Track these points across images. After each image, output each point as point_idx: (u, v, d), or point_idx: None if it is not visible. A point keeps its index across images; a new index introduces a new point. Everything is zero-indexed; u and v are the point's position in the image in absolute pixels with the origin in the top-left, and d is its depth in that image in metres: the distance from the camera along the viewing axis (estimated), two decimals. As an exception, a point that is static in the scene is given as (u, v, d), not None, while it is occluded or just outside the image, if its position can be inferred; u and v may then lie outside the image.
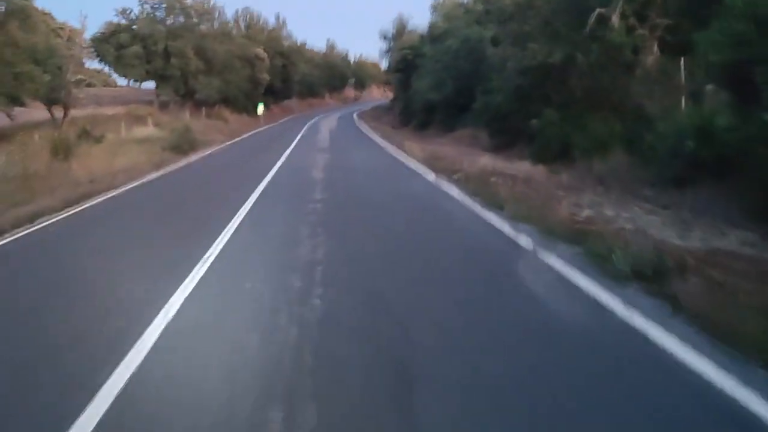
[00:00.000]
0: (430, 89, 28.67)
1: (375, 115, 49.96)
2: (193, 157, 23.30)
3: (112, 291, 5.51)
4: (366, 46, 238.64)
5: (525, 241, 6.61)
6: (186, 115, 38.41)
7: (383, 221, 8.33)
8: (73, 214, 10.88)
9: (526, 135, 18.34)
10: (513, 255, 6.16)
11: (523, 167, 13.75)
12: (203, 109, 41.93)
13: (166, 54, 40.52)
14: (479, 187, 10.32)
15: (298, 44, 64.48)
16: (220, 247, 6.93)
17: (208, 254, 6.53)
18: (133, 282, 5.72)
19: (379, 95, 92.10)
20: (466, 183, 11.00)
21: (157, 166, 19.54)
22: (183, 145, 26.68)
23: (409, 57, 41.02)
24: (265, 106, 52.57)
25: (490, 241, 6.93)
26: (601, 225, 7.26)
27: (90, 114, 34.38)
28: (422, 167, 14.04)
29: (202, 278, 5.69)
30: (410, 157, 16.14)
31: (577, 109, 16.61)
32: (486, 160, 14.50)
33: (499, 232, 7.18)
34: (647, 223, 7.93)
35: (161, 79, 41.13)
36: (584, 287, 4.94)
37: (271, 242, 7.30)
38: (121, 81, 57.31)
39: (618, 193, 11.28)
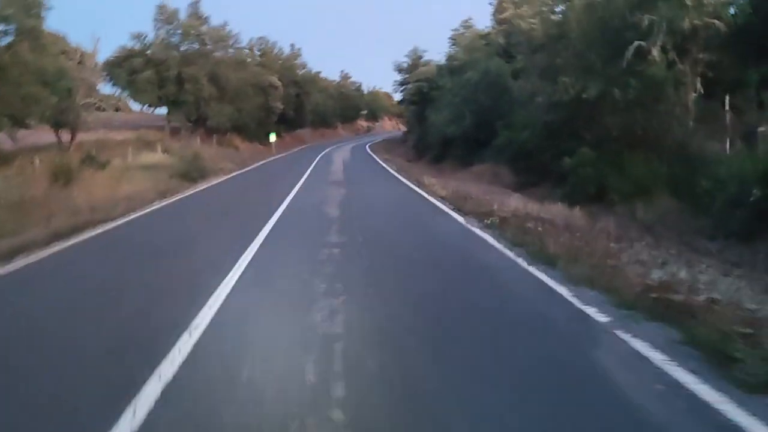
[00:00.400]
0: (448, 122, 27.51)
1: (388, 147, 48.89)
2: (201, 186, 22.19)
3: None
4: (379, 78, 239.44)
5: (597, 315, 5.19)
6: (196, 142, 37.41)
7: (415, 278, 6.86)
8: (58, 251, 9.55)
9: (554, 174, 17.02)
10: (590, 338, 4.72)
11: (557, 210, 12.37)
12: (214, 136, 40.98)
13: (179, 80, 39.69)
14: (519, 235, 8.92)
15: (313, 73, 63.82)
16: (213, 310, 5.54)
17: (196, 323, 5.13)
18: (74, 382, 4.17)
19: (391, 127, 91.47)
20: (502, 229, 9.60)
21: (162, 195, 18.40)
22: (191, 172, 25.67)
23: (424, 89, 40.11)
24: (278, 134, 51.70)
25: (554, 316, 5.44)
26: (684, 294, 5.83)
27: (98, 138, 33.37)
28: (447, 207, 12.67)
29: (181, 366, 4.25)
30: (432, 195, 14.78)
31: (612, 148, 15.31)
32: (516, 202, 13.14)
33: (561, 301, 5.74)
34: (732, 289, 6.49)
35: (173, 104, 40.25)
36: (705, 398, 3.52)
37: (277, 305, 5.89)
38: (135, 106, 56.62)
39: (673, 245, 9.88)
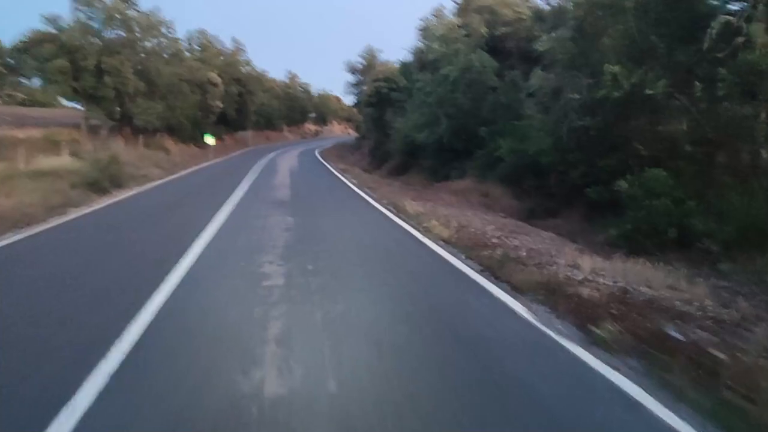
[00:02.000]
0: (419, 128, 22.26)
1: (340, 154, 43.42)
2: (109, 200, 16.69)
3: None
4: (329, 80, 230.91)
5: None
6: (118, 143, 31.14)
7: None
8: None
9: (584, 201, 12.02)
10: None
11: (650, 275, 7.25)
12: (141, 137, 34.66)
13: (99, 71, 33.17)
14: (699, 379, 3.75)
15: (257, 72, 57.67)
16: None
17: None
18: None
19: (340, 132, 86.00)
20: (635, 352, 4.40)
21: (49, 213, 13.07)
22: (102, 181, 19.96)
23: (383, 90, 34.88)
24: (217, 136, 45.62)
25: None
26: None
27: (-6, 136, 26.94)
28: (470, 268, 7.23)
29: None
30: (429, 236, 9.40)
31: (677, 166, 10.38)
32: (576, 256, 7.95)
33: None
34: None
35: (91, 99, 33.63)
36: None
37: None
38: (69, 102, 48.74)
39: None
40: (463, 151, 20.38)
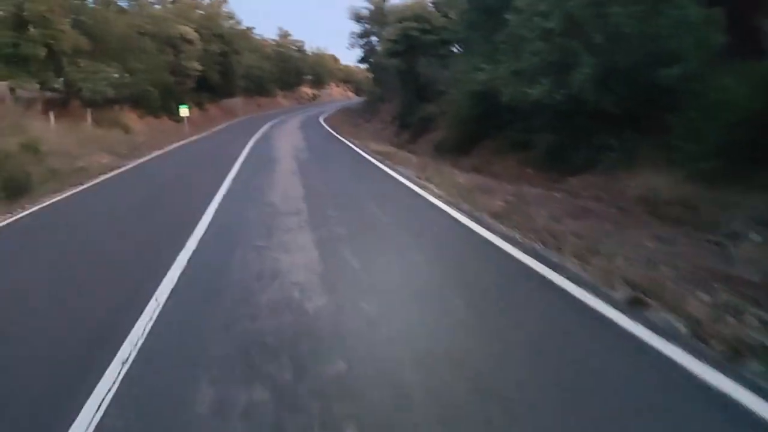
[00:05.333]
0: (524, 78, 12.10)
1: (351, 122, 33.01)
2: None
3: None
4: (323, 37, 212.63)
5: None
6: (48, 122, 20.87)
7: None
8: None
9: None
10: None
11: None
12: (89, 111, 24.34)
13: (21, 22, 22.61)
14: None
15: (243, 28, 46.67)
16: None
17: None
18: None
19: (339, 94, 74.99)
20: None
21: None
22: (-14, 191, 10.17)
23: (413, 33, 24.56)
24: (199, 105, 35.33)
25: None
26: None
27: None
28: None
29: None
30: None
31: None
32: None
33: None
34: None
35: (13, 63, 23.02)
36: None
37: None
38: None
39: None
40: (619, 116, 10.41)
